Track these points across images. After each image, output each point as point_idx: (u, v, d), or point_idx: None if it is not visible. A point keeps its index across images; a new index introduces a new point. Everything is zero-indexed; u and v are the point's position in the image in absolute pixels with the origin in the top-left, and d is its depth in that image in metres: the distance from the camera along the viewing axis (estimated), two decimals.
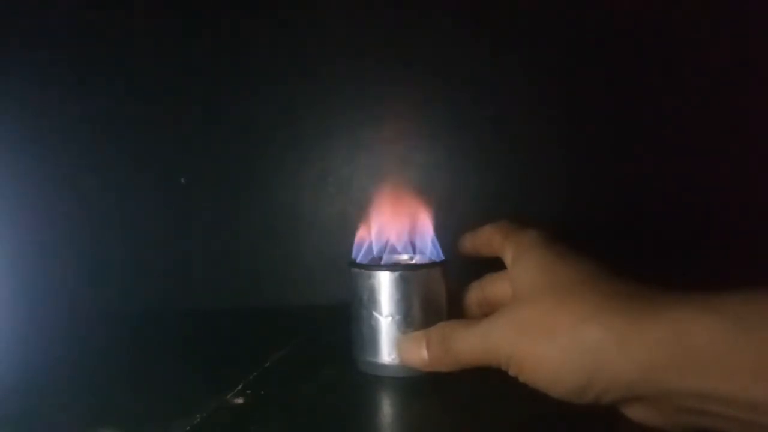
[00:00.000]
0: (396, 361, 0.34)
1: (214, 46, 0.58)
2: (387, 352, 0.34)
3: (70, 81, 0.58)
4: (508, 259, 0.32)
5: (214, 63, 0.58)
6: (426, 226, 0.38)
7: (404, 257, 0.38)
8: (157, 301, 0.59)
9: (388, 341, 0.34)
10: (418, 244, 0.38)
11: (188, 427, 0.29)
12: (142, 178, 0.59)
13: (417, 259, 0.38)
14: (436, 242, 0.37)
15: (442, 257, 0.37)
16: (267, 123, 0.58)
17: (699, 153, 0.55)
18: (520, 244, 0.32)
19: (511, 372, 0.28)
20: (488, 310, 0.35)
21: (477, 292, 0.37)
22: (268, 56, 0.58)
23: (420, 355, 0.32)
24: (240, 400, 0.33)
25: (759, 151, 0.54)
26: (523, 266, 0.30)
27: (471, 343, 0.30)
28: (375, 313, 0.34)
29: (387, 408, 0.33)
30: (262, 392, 0.34)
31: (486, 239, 0.35)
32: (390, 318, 0.34)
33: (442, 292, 0.35)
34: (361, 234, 0.38)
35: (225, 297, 0.59)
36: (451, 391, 0.33)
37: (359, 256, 0.37)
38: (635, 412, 0.27)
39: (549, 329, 0.26)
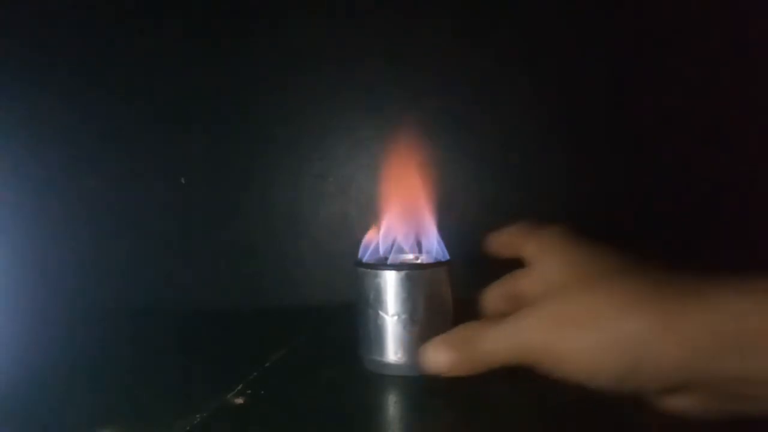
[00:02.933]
0: (402, 360, 0.34)
1: (215, 46, 0.58)
2: (393, 351, 0.34)
3: (70, 81, 0.58)
4: (531, 256, 0.32)
5: (215, 63, 0.58)
6: (431, 225, 0.38)
7: (410, 257, 0.38)
8: (157, 301, 0.59)
9: (394, 340, 0.34)
10: (423, 243, 0.38)
11: (188, 427, 0.29)
12: (142, 178, 0.59)
13: (423, 259, 0.38)
14: (442, 242, 0.37)
15: (448, 257, 0.37)
16: (267, 123, 0.58)
17: (700, 153, 0.55)
18: (543, 241, 0.32)
19: (546, 366, 0.27)
20: (514, 307, 0.35)
21: (500, 291, 0.36)
22: (269, 56, 0.58)
23: (445, 359, 0.30)
24: (240, 400, 0.33)
25: (761, 150, 0.54)
26: (552, 261, 0.30)
27: (500, 342, 0.29)
28: (381, 313, 0.35)
29: (388, 407, 0.33)
30: (262, 392, 0.34)
31: (507, 240, 0.34)
32: (396, 317, 0.34)
33: (448, 291, 0.36)
34: (368, 234, 0.38)
35: (225, 297, 0.59)
36: (457, 389, 0.33)
37: (365, 256, 0.38)
38: (676, 402, 0.26)
39: (589, 320, 0.26)
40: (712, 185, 0.55)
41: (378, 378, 0.35)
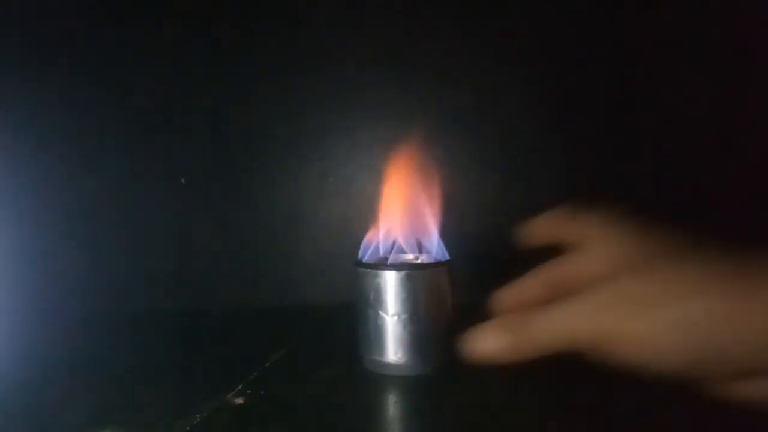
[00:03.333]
0: (402, 360, 0.34)
1: (215, 46, 0.58)
2: (393, 351, 0.35)
3: (70, 81, 0.58)
4: (579, 240, 0.31)
5: (215, 63, 0.58)
6: (432, 225, 0.38)
7: (410, 257, 0.38)
8: (157, 301, 0.59)
9: (394, 340, 0.34)
10: (424, 243, 0.38)
11: (188, 427, 0.29)
12: (142, 178, 0.59)
13: (423, 259, 0.38)
14: (442, 242, 0.37)
15: (448, 257, 0.37)
16: (267, 123, 0.58)
17: (700, 152, 0.55)
18: (593, 223, 0.30)
19: (602, 351, 0.26)
20: (555, 295, 0.31)
21: (540, 279, 0.34)
22: (269, 56, 0.58)
23: (496, 343, 0.28)
24: (240, 400, 0.33)
25: (761, 150, 0.54)
26: (606, 243, 0.29)
27: (559, 324, 0.27)
28: (381, 313, 0.35)
29: (388, 407, 0.33)
30: (262, 392, 0.34)
31: (549, 225, 0.33)
32: (396, 317, 0.34)
33: (448, 291, 0.36)
34: (368, 234, 0.38)
35: (225, 297, 0.59)
36: (457, 389, 0.33)
37: (365, 256, 0.38)
38: (745, 389, 0.25)
39: (651, 303, 0.24)
40: (712, 185, 0.55)
41: (378, 378, 0.35)
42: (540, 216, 0.34)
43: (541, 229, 0.34)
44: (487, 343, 0.29)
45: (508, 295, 0.35)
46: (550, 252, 0.33)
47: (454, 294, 0.36)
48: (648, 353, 0.24)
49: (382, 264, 0.36)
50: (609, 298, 0.26)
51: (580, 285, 0.27)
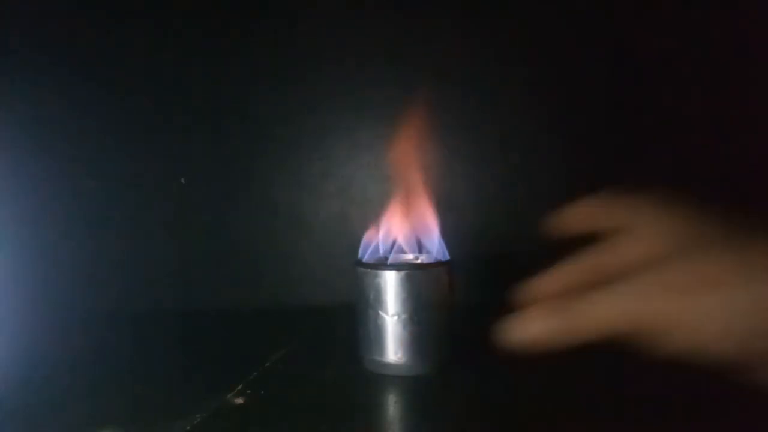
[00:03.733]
0: (402, 360, 0.34)
1: (215, 46, 0.58)
2: (393, 351, 0.35)
3: (70, 81, 0.58)
4: (624, 225, 0.30)
5: (215, 63, 0.58)
6: (432, 225, 0.38)
7: (410, 257, 0.38)
8: (157, 301, 0.59)
9: (394, 340, 0.34)
10: (424, 243, 0.38)
11: (188, 427, 0.29)
12: (142, 178, 0.59)
13: (423, 259, 0.38)
14: (442, 242, 0.37)
15: (448, 257, 0.37)
16: (267, 123, 0.58)
17: (700, 153, 0.55)
18: (638, 208, 0.30)
19: (646, 338, 0.25)
20: (594, 283, 0.29)
21: (577, 266, 0.32)
22: (269, 57, 0.58)
23: (541, 327, 0.27)
24: (240, 400, 0.33)
25: (761, 149, 0.54)
26: (653, 227, 0.28)
27: (601, 312, 0.26)
28: (381, 313, 0.35)
29: (388, 407, 0.33)
30: (262, 392, 0.34)
31: (589, 212, 0.32)
32: (396, 317, 0.34)
33: (448, 291, 0.36)
34: (368, 234, 0.38)
35: (225, 297, 0.59)
36: (456, 389, 0.33)
37: (365, 256, 0.38)
38: None
39: (695, 290, 0.24)
40: (712, 185, 0.55)
41: (378, 378, 0.35)
42: (575, 204, 0.33)
43: (580, 215, 0.33)
44: (531, 327, 0.27)
45: (549, 281, 0.33)
46: (556, 248, 0.33)
47: (454, 294, 0.36)
48: (691, 341, 0.24)
49: (382, 264, 0.36)
50: (653, 284, 0.25)
51: (625, 270, 0.26)
